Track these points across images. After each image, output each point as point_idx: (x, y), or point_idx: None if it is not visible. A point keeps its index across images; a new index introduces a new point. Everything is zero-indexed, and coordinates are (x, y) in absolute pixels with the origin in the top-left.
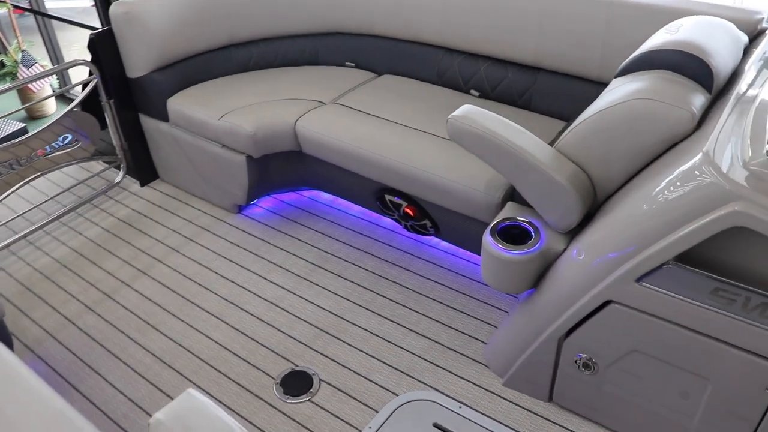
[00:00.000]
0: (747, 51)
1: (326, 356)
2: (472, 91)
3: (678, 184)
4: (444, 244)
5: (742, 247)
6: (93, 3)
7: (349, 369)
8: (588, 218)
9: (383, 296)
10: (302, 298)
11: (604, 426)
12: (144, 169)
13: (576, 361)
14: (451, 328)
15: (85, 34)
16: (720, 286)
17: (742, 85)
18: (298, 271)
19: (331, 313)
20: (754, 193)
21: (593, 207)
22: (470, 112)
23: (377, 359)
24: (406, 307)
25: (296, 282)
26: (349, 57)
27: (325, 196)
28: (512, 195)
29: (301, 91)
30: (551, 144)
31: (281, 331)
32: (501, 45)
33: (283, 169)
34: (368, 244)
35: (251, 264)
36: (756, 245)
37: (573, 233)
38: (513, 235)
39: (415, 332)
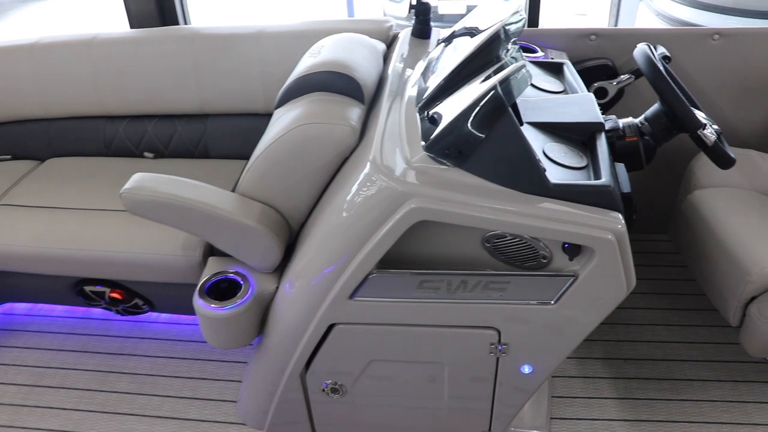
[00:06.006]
0: (387, 57)
1: None
2: (146, 154)
3: (359, 196)
4: (164, 315)
5: (433, 237)
6: None
7: None
8: (291, 250)
9: (116, 392)
10: (24, 428)
11: None
12: None
13: (324, 390)
14: (197, 398)
15: None
16: (424, 279)
17: (389, 89)
18: (10, 399)
19: (64, 431)
20: (423, 187)
21: (291, 238)
22: (141, 180)
23: None
24: (143, 394)
25: (13, 413)
26: (2, 150)
27: (21, 306)
28: (212, 250)
29: None
30: (235, 185)
31: None
32: (162, 101)
33: None
34: (84, 342)
35: None
36: (441, 232)
37: (281, 269)
38: (223, 289)
39: (162, 417)
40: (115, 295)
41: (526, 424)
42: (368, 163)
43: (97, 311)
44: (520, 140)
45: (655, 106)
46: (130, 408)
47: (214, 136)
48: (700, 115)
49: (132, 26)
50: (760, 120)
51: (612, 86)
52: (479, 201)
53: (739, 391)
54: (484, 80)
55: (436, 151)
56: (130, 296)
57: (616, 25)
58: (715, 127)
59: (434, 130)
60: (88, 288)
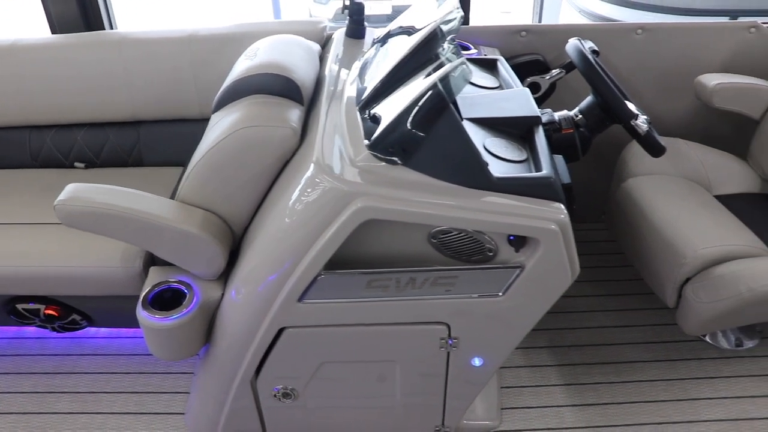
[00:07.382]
0: (322, 58)
1: None
2: (77, 164)
3: (303, 198)
4: (104, 330)
5: (379, 235)
6: None
7: None
8: (234, 256)
9: (56, 413)
10: None
11: None
12: None
13: (275, 395)
14: (143, 413)
15: None
16: (372, 278)
17: (327, 89)
18: None
19: None
20: (369, 186)
21: (235, 244)
22: (76, 191)
23: None
24: (86, 413)
25: None
26: None
27: None
28: (152, 259)
29: None
30: (174, 193)
31: None
32: (92, 108)
33: None
34: (18, 363)
35: None
36: (387, 231)
37: (225, 275)
38: (166, 299)
39: None
40: (50, 311)
41: (479, 417)
42: (312, 165)
43: (30, 329)
44: (463, 136)
45: (589, 99)
46: (73, 428)
47: (148, 143)
48: (631, 107)
49: (53, 31)
50: (682, 110)
51: (544, 81)
52: (425, 197)
53: (676, 369)
54: (426, 77)
55: (379, 150)
56: (66, 312)
57: (540, 22)
58: (645, 117)
59: (377, 129)
60: (20, 306)
